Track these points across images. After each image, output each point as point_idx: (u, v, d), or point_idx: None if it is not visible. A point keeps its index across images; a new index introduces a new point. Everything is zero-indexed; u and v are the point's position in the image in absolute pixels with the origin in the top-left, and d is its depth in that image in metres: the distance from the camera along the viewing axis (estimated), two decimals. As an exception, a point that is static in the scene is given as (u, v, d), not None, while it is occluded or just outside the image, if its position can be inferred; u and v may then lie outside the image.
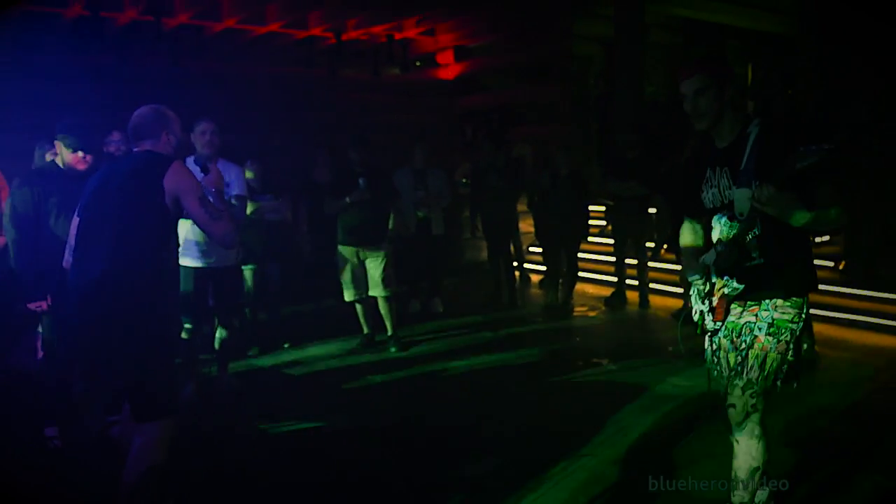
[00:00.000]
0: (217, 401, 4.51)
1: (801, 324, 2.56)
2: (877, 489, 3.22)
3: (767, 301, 2.55)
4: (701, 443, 3.60)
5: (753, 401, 2.54)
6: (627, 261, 7.01)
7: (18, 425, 3.74)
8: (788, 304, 2.54)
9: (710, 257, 2.60)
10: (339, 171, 5.81)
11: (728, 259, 2.54)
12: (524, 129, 10.54)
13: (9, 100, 7.15)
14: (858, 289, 6.21)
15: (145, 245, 2.69)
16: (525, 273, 8.38)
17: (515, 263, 7.76)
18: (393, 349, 5.63)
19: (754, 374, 2.53)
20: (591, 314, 6.96)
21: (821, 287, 6.36)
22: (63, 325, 3.51)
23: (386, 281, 5.52)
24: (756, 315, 2.57)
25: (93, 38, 7.42)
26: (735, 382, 2.57)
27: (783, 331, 2.52)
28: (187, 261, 4.43)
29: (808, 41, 8.07)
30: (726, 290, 2.59)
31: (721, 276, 2.60)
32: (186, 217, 2.82)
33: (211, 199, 2.83)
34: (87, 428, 3.72)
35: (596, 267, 8.06)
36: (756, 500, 2.62)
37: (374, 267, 5.50)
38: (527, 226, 7.85)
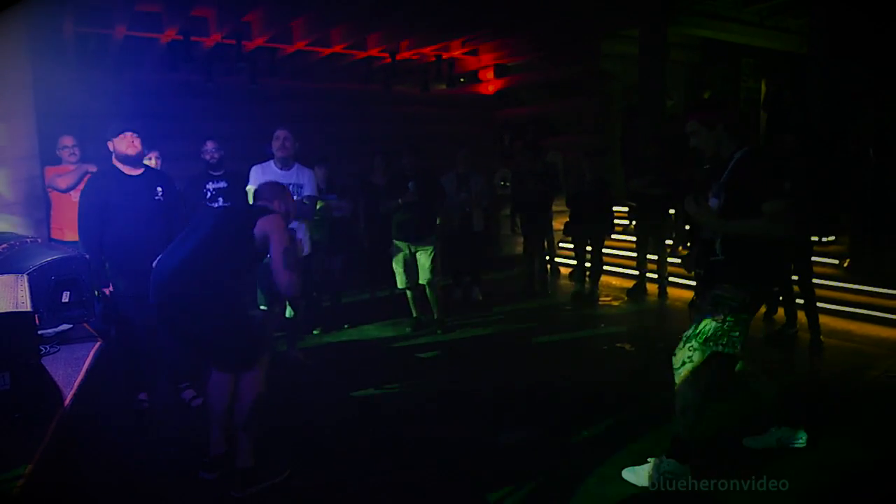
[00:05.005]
0: (286, 371, 4.62)
1: (744, 304, 2.83)
2: (877, 464, 3.14)
3: (719, 284, 2.87)
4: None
5: (690, 353, 2.89)
6: (648, 256, 6.93)
7: (120, 389, 3.87)
8: (733, 287, 2.83)
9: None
10: (393, 174, 5.86)
11: (701, 255, 2.97)
12: (556, 138, 10.45)
13: (112, 112, 7.38)
14: (862, 284, 6.03)
15: (223, 255, 2.91)
16: (556, 266, 8.33)
17: (548, 257, 7.72)
18: (438, 331, 5.66)
19: (691, 332, 2.90)
20: (615, 304, 6.89)
21: (827, 282, 6.24)
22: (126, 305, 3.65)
23: (433, 271, 5.55)
24: (711, 295, 2.90)
25: (184, 59, 7.60)
26: (682, 338, 2.94)
27: (722, 305, 2.84)
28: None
29: (818, 59, 7.82)
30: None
31: (698, 269, 3.03)
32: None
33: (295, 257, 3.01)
34: (164, 393, 3.93)
35: (620, 261, 7.97)
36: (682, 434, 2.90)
37: (423, 259, 5.53)
38: (558, 224, 7.82)
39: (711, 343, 2.85)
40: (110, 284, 3.64)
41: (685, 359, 2.90)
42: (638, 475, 2.95)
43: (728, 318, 2.83)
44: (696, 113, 3.02)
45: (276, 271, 2.91)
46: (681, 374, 2.90)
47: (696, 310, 3.06)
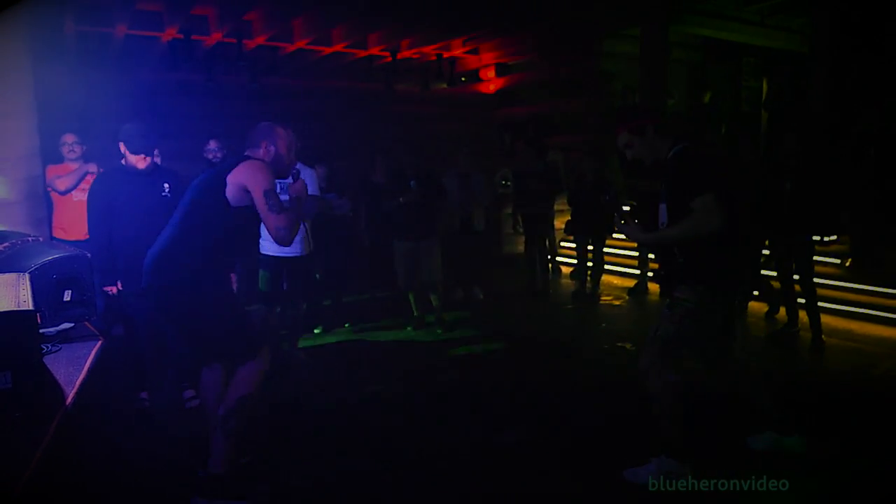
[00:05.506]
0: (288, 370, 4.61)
1: (700, 306, 2.80)
2: (879, 464, 3.13)
3: (677, 286, 2.86)
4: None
5: (653, 358, 2.85)
6: (649, 255, 6.91)
7: (121, 388, 3.86)
8: (688, 289, 2.81)
9: None
10: (394, 173, 5.86)
11: (663, 257, 3.01)
12: (556, 137, 10.43)
13: (113, 111, 7.38)
14: (863, 284, 6.02)
15: (196, 230, 2.75)
16: (557, 265, 8.32)
17: (549, 256, 7.71)
18: (439, 330, 5.66)
19: (651, 335, 2.88)
20: (616, 302, 6.88)
21: (829, 282, 6.22)
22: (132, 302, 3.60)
23: (434, 270, 5.55)
24: (669, 297, 2.91)
25: (184, 57, 7.58)
26: (646, 341, 2.93)
27: (677, 307, 2.82)
28: (268, 250, 4.53)
29: (819, 57, 7.81)
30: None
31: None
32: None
33: (284, 198, 2.81)
34: (164, 393, 3.86)
35: (621, 260, 7.96)
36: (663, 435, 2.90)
37: (425, 258, 5.53)
38: (559, 223, 7.81)
39: (672, 346, 2.82)
40: (118, 283, 3.62)
41: (649, 364, 2.86)
42: (638, 475, 2.93)
43: (686, 321, 2.80)
44: (623, 124, 2.94)
45: (263, 217, 2.66)
46: (650, 378, 2.85)
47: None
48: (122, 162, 3.71)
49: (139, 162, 3.64)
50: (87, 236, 4.85)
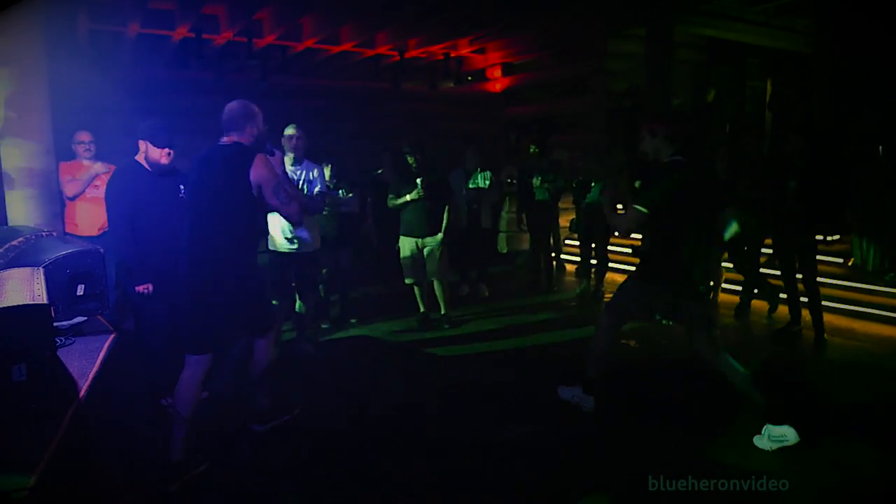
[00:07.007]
0: (296, 365, 4.63)
1: (638, 291, 3.44)
2: (879, 463, 3.12)
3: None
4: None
5: (605, 310, 3.62)
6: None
7: (135, 381, 3.86)
8: (636, 277, 3.51)
9: None
10: (401, 171, 5.85)
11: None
12: (561, 136, 10.42)
13: (125, 108, 7.41)
14: (866, 283, 5.99)
15: (236, 221, 2.90)
16: (562, 263, 8.31)
17: (553, 254, 7.70)
18: (445, 326, 5.66)
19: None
20: (620, 300, 6.85)
21: (831, 281, 6.19)
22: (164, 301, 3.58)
23: (440, 267, 5.55)
24: None
25: (195, 56, 7.61)
26: None
27: (625, 286, 3.55)
28: (276, 247, 4.55)
29: (823, 58, 7.76)
30: None
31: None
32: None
33: (286, 188, 2.99)
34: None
35: (624, 258, 7.93)
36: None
37: (430, 255, 5.53)
38: (564, 221, 7.80)
39: (618, 307, 3.54)
40: (149, 284, 3.55)
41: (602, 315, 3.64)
42: (563, 392, 3.75)
43: (624, 295, 3.51)
44: (645, 121, 3.44)
45: (279, 211, 2.97)
46: (598, 326, 3.61)
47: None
48: (138, 158, 3.65)
49: (163, 157, 3.56)
50: (99, 232, 4.88)
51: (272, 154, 3.07)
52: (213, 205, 2.88)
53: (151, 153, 3.57)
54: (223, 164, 2.89)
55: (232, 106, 3.00)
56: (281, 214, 3.04)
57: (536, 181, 6.85)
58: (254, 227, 3.05)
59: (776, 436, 3.17)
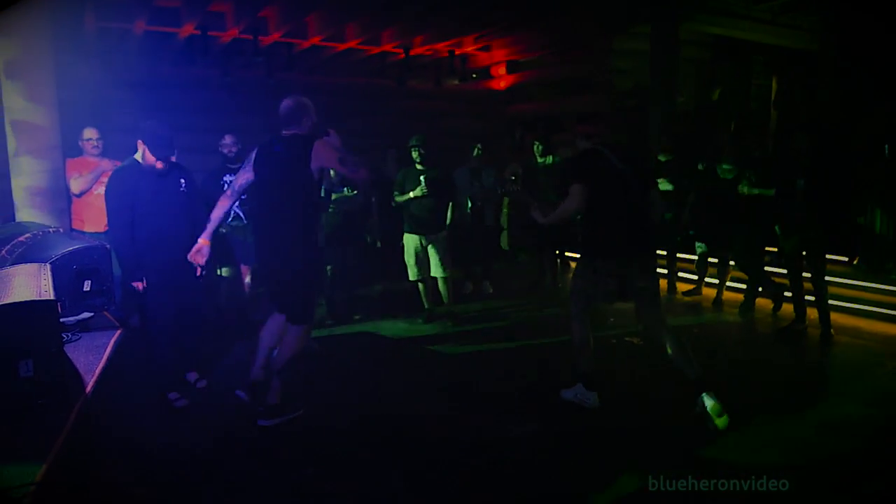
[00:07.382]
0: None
1: (587, 270, 3.64)
2: (881, 462, 3.10)
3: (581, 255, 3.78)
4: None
5: (571, 306, 3.74)
6: (658, 252, 6.86)
7: (139, 376, 3.86)
8: (581, 259, 3.78)
9: None
10: (406, 168, 5.85)
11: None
12: (566, 134, 10.38)
13: (131, 105, 7.43)
14: (872, 281, 5.95)
15: (300, 203, 3.20)
16: (566, 260, 8.28)
17: (557, 252, 7.68)
18: (449, 323, 5.66)
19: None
20: (624, 298, 6.84)
21: (836, 279, 6.15)
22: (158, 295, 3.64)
23: (444, 264, 5.54)
24: None
25: (201, 53, 7.60)
26: None
27: (576, 269, 3.78)
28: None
29: (828, 56, 7.72)
30: None
31: None
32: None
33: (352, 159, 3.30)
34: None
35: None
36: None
37: (435, 252, 5.52)
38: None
39: (578, 297, 3.70)
40: (144, 279, 3.57)
41: (571, 311, 3.77)
42: (566, 394, 3.78)
43: (579, 280, 3.71)
44: (572, 124, 3.83)
45: (351, 176, 3.50)
46: (571, 321, 3.75)
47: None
48: (138, 157, 3.66)
49: (158, 164, 3.60)
50: (106, 228, 4.89)
51: (328, 135, 3.37)
52: (281, 192, 3.17)
53: (147, 157, 3.60)
54: (287, 154, 3.19)
55: (287, 103, 3.29)
56: (355, 179, 3.53)
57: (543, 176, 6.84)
58: (313, 210, 3.38)
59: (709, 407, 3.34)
